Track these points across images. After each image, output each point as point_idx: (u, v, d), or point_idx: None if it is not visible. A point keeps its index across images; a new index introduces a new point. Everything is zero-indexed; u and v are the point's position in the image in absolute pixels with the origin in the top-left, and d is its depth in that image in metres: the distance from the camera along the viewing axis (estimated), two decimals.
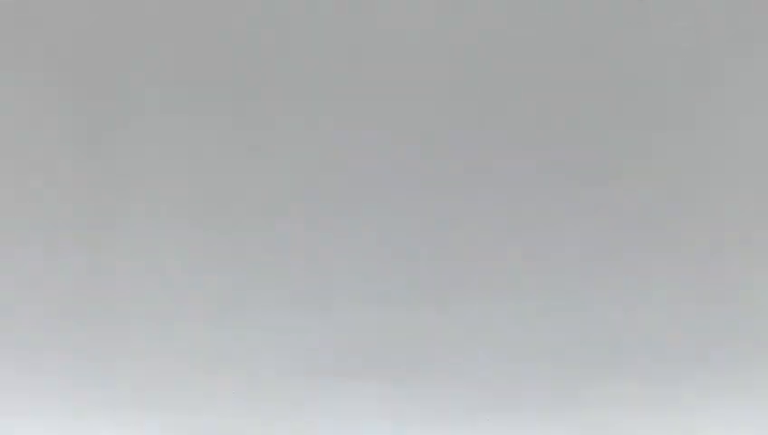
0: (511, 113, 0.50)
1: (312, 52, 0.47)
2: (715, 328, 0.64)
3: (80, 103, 0.51)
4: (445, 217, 0.58)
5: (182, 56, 0.48)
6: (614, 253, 0.59)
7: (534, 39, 0.46)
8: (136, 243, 0.59)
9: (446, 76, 0.48)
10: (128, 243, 0.59)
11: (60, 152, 0.53)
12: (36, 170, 0.55)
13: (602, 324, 0.64)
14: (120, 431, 0.68)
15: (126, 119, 0.52)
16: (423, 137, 0.52)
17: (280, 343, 0.65)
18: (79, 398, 0.66)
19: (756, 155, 0.52)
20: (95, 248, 0.59)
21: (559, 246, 0.58)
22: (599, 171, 0.53)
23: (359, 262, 0.61)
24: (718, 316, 0.63)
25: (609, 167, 0.53)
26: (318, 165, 0.55)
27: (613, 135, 0.51)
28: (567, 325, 0.64)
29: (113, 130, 0.52)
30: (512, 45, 0.47)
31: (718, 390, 0.68)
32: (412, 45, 0.47)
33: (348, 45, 0.47)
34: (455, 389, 0.65)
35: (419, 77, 0.48)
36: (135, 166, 0.54)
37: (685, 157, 0.52)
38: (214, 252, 0.60)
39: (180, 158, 0.54)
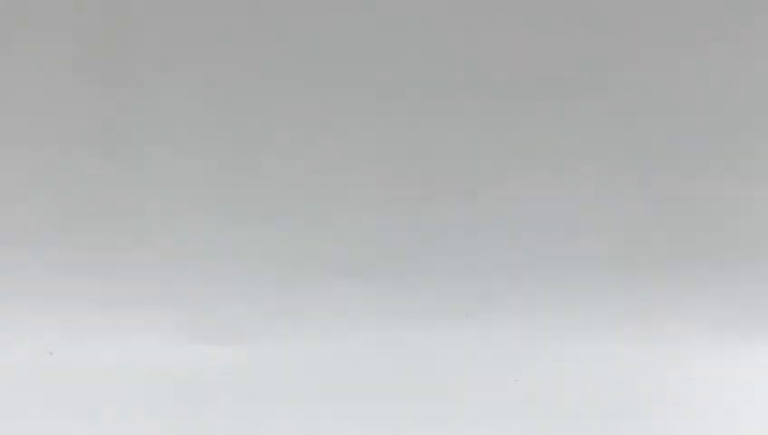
0: None
1: None
2: None
3: None
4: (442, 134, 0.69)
5: None
6: None
7: None
8: (152, 150, 0.69)
9: None
10: (144, 151, 0.69)
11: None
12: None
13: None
14: (133, 329, 0.71)
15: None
16: None
17: (285, 244, 0.72)
18: (95, 295, 0.72)
19: None
20: (114, 156, 0.69)
21: None
22: None
23: (359, 170, 0.71)
24: None
25: None
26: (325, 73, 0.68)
27: None
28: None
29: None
30: None
31: None
32: None
33: None
34: (445, 288, 0.73)
35: None
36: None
37: None
38: (226, 161, 0.70)
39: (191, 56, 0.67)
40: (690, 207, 0.71)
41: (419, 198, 0.71)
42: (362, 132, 0.70)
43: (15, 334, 0.70)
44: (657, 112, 0.69)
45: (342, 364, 0.70)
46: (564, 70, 0.69)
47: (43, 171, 0.70)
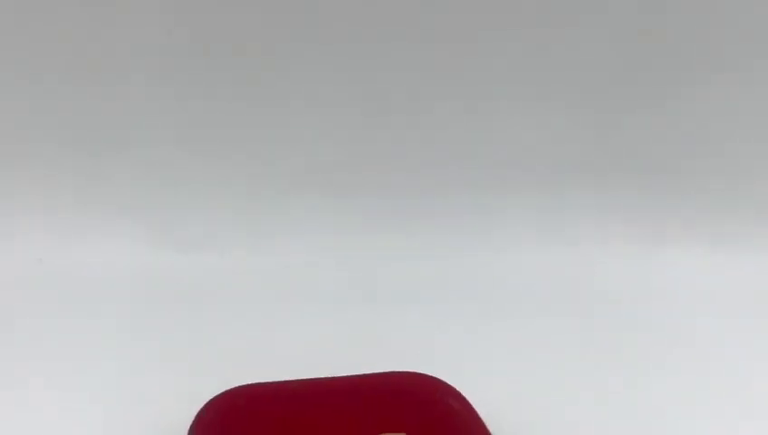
0: None
1: None
2: None
3: None
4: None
5: None
6: None
7: None
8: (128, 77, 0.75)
9: None
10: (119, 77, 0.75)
11: None
12: None
13: None
14: (107, 238, 0.77)
15: None
16: None
17: (252, 161, 0.78)
18: (80, 206, 0.78)
19: None
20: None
21: None
22: None
23: (319, 91, 0.76)
24: None
25: None
26: None
27: None
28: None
29: None
30: None
31: None
32: None
33: None
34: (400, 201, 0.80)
35: None
36: None
37: None
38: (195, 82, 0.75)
39: None
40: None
41: (377, 114, 0.78)
42: (328, 55, 0.75)
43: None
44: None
45: (304, 271, 0.77)
46: None
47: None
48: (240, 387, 0.52)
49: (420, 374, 0.54)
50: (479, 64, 0.77)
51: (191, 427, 0.50)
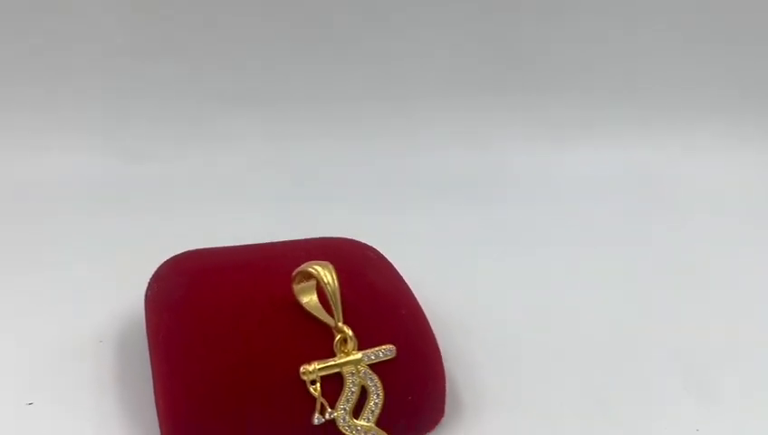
0: None
1: None
2: None
3: None
4: None
5: None
6: None
7: None
8: None
9: None
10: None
11: None
12: None
13: None
14: (66, 152, 0.84)
15: None
16: None
17: (189, 77, 0.85)
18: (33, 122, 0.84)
19: None
20: None
21: None
22: None
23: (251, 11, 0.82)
24: None
25: None
26: None
27: None
28: None
29: None
30: None
31: None
32: None
33: None
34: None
35: None
36: None
37: None
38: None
39: None
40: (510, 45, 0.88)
41: (306, 33, 0.85)
42: None
43: None
44: None
45: (239, 176, 0.85)
46: None
47: None
48: (191, 250, 0.61)
49: (346, 238, 0.64)
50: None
51: (151, 277, 0.59)
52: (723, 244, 0.78)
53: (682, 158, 0.90)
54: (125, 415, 0.56)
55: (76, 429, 0.54)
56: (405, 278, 0.61)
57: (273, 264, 0.57)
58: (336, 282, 0.51)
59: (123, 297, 0.65)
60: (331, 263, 0.54)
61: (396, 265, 0.62)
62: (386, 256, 0.62)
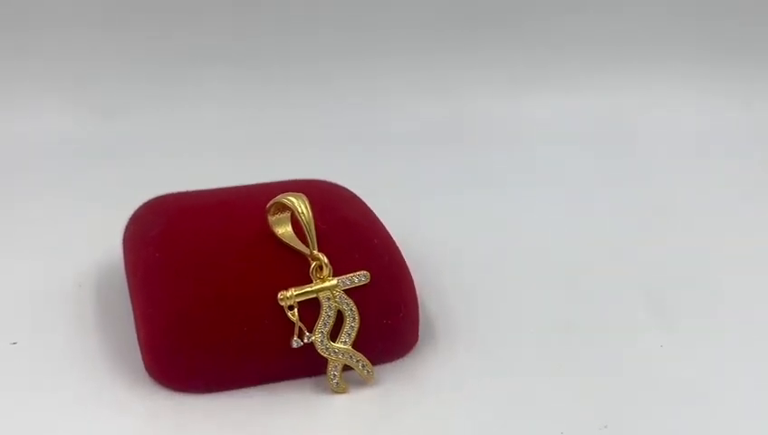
0: None
1: None
2: None
3: None
4: None
5: None
6: None
7: None
8: None
9: None
10: None
11: None
12: None
13: None
14: (38, 110, 0.86)
15: None
16: None
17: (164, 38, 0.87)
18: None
19: None
20: None
21: None
22: None
23: None
24: None
25: None
26: None
27: None
28: None
29: None
30: None
31: None
32: None
33: None
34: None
35: None
36: None
37: None
38: None
39: None
40: None
41: None
42: None
43: None
44: None
45: (211, 131, 0.87)
46: None
47: None
48: (168, 193, 0.63)
49: (321, 180, 0.65)
50: None
51: (128, 220, 0.61)
52: (681, 184, 0.81)
53: (640, 102, 0.93)
54: (108, 353, 0.57)
55: (60, 367, 0.56)
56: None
57: (249, 201, 0.58)
58: (310, 212, 0.53)
59: (101, 245, 0.66)
60: (311, 202, 0.56)
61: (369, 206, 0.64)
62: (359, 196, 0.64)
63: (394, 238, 0.59)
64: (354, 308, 0.53)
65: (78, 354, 0.57)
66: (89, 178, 0.79)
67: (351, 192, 0.64)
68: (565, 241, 0.71)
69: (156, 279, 0.54)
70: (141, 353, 0.54)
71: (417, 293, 0.58)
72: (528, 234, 0.72)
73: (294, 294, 0.52)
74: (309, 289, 0.53)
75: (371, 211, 0.62)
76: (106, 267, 0.65)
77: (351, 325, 0.53)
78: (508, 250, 0.70)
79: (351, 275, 0.54)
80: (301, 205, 0.53)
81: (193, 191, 0.63)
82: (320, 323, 0.53)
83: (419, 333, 0.58)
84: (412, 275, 0.58)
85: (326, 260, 0.53)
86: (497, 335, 0.60)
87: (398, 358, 0.57)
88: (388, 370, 0.56)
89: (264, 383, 0.54)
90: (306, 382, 0.54)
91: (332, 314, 0.53)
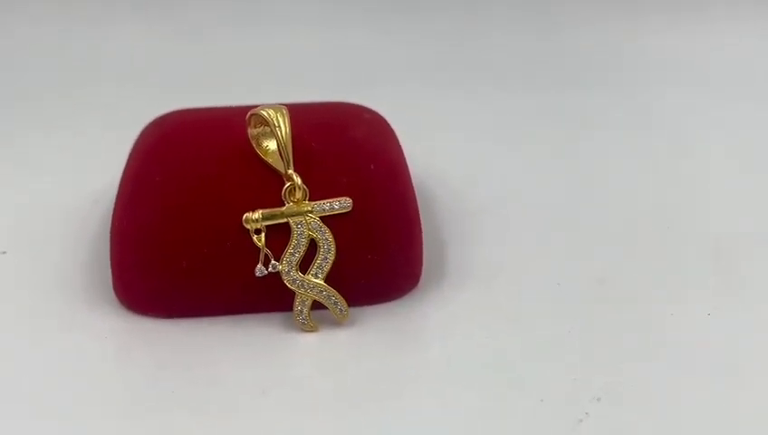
0: None
1: None
2: None
3: None
4: None
5: None
6: None
7: None
8: None
9: None
10: None
11: None
12: None
13: None
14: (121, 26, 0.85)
15: None
16: None
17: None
18: None
19: None
20: None
21: None
22: None
23: None
24: None
25: None
26: None
27: None
28: None
29: None
30: None
31: None
32: None
33: None
34: None
35: None
36: None
37: None
38: None
39: None
40: None
41: None
42: None
43: None
44: None
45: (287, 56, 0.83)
46: None
47: None
48: (181, 109, 0.58)
49: (352, 103, 0.58)
50: None
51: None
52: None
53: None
54: (90, 271, 0.54)
55: (37, 280, 0.53)
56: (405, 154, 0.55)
57: None
58: (288, 127, 0.47)
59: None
60: (320, 119, 0.51)
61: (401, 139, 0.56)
62: (390, 124, 0.57)
63: (418, 176, 0.53)
64: (330, 238, 0.47)
65: (61, 270, 0.54)
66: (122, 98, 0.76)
67: (380, 116, 0.57)
68: (606, 186, 0.63)
69: (137, 189, 0.50)
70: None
71: (430, 235, 0.51)
72: (575, 176, 0.64)
73: (261, 216, 0.47)
74: (278, 212, 0.47)
75: (394, 139, 0.55)
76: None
77: (325, 257, 0.47)
78: (541, 196, 0.61)
79: (330, 200, 0.48)
80: (278, 118, 0.47)
81: (205, 108, 0.58)
82: (288, 251, 0.47)
83: (421, 276, 0.51)
84: (432, 217, 0.52)
85: (299, 181, 0.47)
86: (526, 285, 0.52)
87: (386, 301, 0.50)
88: (370, 312, 0.49)
89: (229, 314, 0.49)
90: (276, 317, 0.49)
91: (304, 242, 0.47)
